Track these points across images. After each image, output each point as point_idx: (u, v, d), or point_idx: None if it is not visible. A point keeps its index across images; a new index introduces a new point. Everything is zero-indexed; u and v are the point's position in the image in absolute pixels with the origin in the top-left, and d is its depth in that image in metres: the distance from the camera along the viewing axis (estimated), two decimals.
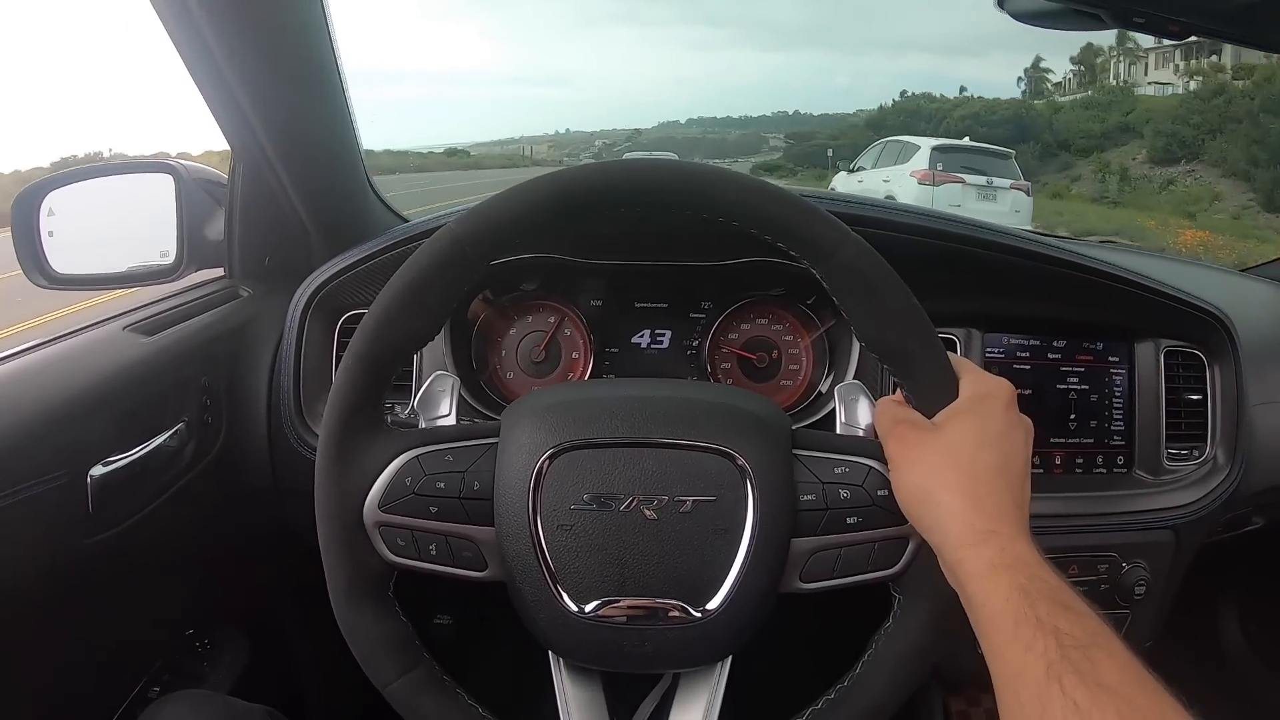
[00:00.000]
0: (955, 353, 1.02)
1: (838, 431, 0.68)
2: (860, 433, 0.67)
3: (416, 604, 0.66)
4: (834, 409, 0.70)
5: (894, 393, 0.68)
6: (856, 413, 0.68)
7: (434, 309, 0.62)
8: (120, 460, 0.84)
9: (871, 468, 0.62)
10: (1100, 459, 1.08)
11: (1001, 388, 0.62)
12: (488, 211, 0.61)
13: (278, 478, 1.04)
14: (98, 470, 0.81)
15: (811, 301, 1.07)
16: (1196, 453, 1.08)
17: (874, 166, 11.87)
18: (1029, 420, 0.62)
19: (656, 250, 1.03)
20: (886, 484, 0.61)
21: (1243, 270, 1.54)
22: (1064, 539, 1.02)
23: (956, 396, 0.61)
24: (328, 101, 0.97)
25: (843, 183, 12.68)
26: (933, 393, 0.62)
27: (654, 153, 26.89)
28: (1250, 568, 1.46)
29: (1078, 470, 1.07)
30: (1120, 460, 1.08)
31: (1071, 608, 0.49)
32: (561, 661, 0.67)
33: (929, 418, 0.61)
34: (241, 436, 1.03)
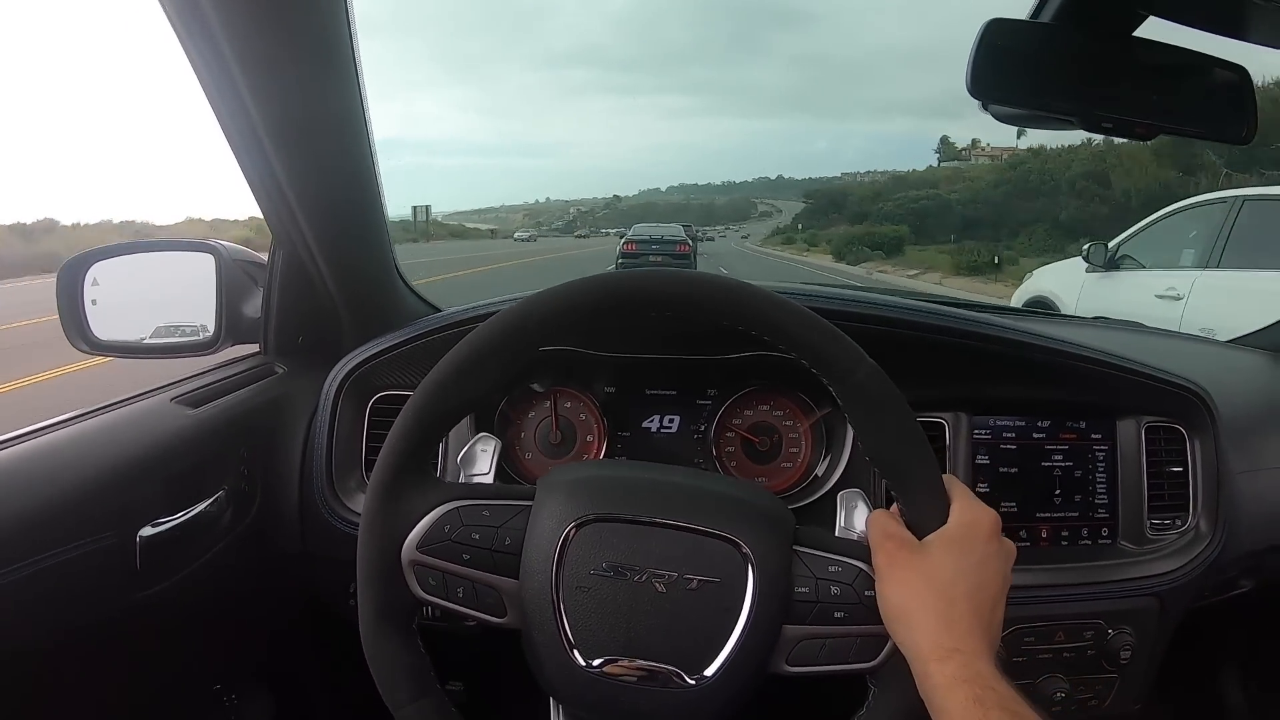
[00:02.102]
0: (943, 434, 1.09)
1: (837, 532, 0.74)
2: (856, 536, 0.73)
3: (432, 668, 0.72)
4: (830, 492, 0.77)
5: (889, 505, 0.74)
6: (854, 518, 0.74)
7: (489, 379, 0.70)
8: (167, 523, 0.91)
9: (861, 570, 0.68)
10: (1085, 531, 1.12)
11: (986, 517, 0.68)
12: (549, 299, 0.69)
13: (307, 544, 1.11)
14: (147, 531, 0.88)
15: (814, 399, 1.14)
16: (1179, 522, 1.13)
17: (1214, 264, 4.76)
18: (1011, 546, 0.69)
19: (664, 345, 1.11)
20: (872, 586, 0.67)
21: (1229, 341, 1.60)
22: (1051, 608, 1.06)
23: (946, 520, 0.67)
24: (365, 195, 1.04)
25: (1098, 294, 5.54)
26: (925, 514, 0.68)
27: (659, 225, 25.51)
28: (1247, 629, 1.49)
29: (1063, 543, 1.12)
30: (1105, 532, 1.12)
31: (1019, 714, 0.57)
32: (562, 710, 0.74)
33: (918, 536, 0.67)
34: (275, 505, 1.09)
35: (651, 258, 16.62)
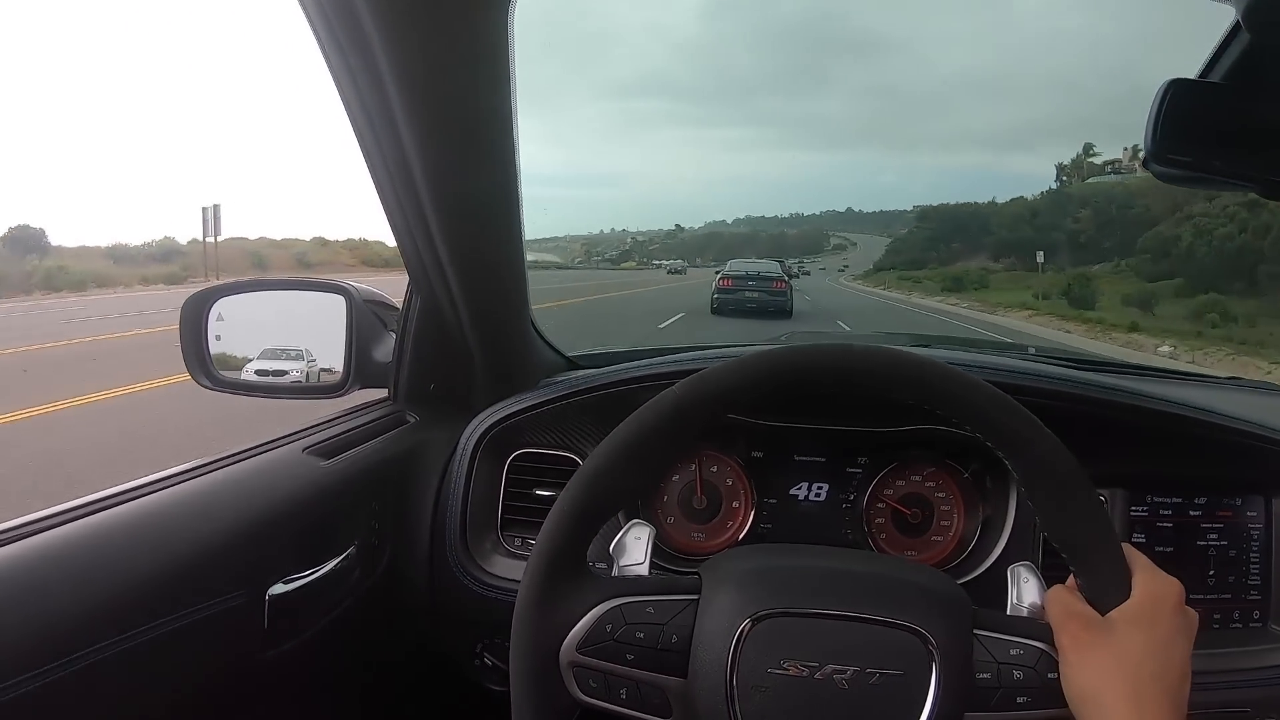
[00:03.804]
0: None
1: (1008, 610, 0.71)
2: (1026, 611, 0.70)
3: None
4: (993, 566, 0.81)
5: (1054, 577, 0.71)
6: (1024, 593, 0.71)
7: (648, 468, 0.67)
8: (298, 580, 0.88)
9: (1044, 651, 0.65)
10: (1237, 614, 1.08)
11: (1172, 590, 0.65)
12: (710, 380, 0.66)
13: (436, 602, 1.07)
14: (277, 589, 0.85)
15: (971, 472, 1.10)
16: None
17: None
18: (1194, 616, 0.66)
19: (815, 414, 1.07)
20: (1055, 667, 0.64)
21: None
22: (1200, 695, 0.98)
23: (1129, 595, 0.64)
24: (510, 246, 1.02)
25: None
26: (1107, 590, 0.65)
27: (755, 261, 25.24)
28: None
29: (1215, 626, 1.07)
30: (1256, 614, 1.08)
31: None
32: None
33: (1101, 612, 0.64)
34: (404, 561, 1.06)
35: (748, 293, 16.68)
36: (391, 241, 1.01)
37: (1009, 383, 1.00)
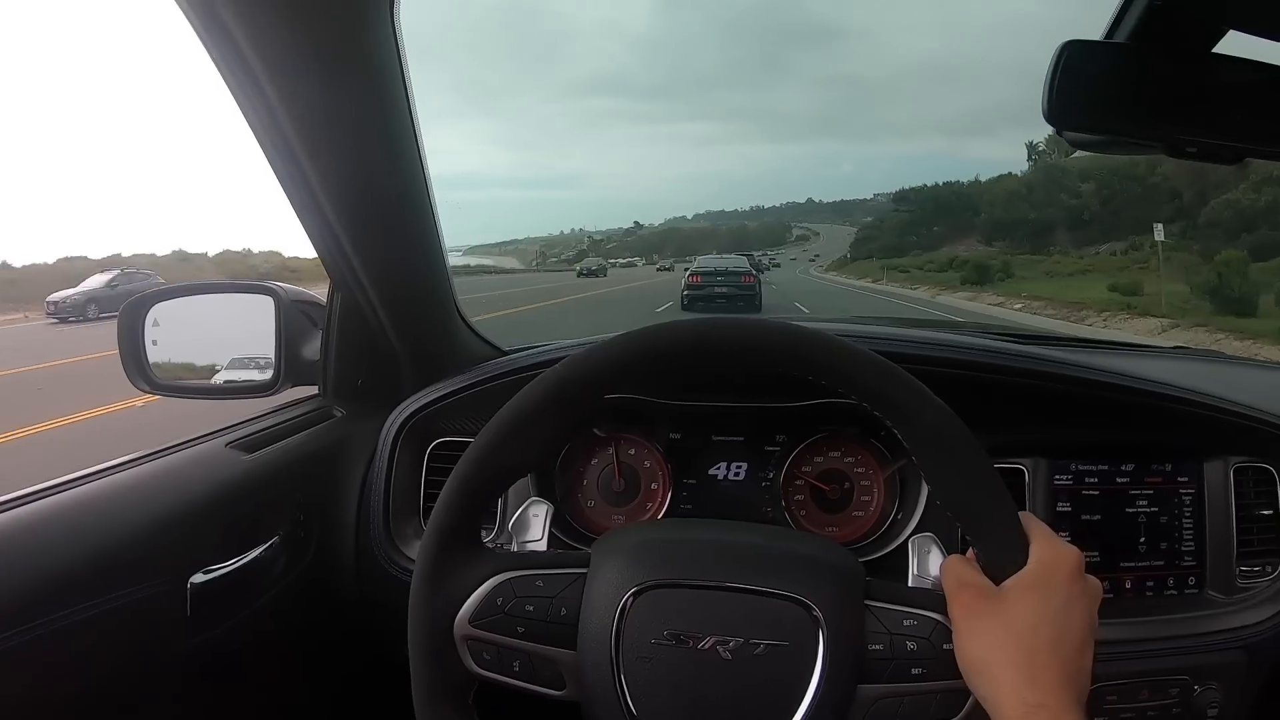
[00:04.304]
0: (1024, 481, 1.05)
1: (910, 580, 0.71)
2: (929, 584, 0.70)
3: None
4: (905, 542, 0.74)
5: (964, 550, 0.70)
6: (928, 564, 0.71)
7: (537, 443, 0.68)
8: (219, 570, 0.90)
9: (938, 622, 0.64)
10: (1171, 580, 1.07)
11: (1068, 556, 0.63)
12: (596, 355, 0.67)
13: (364, 592, 1.09)
14: (198, 578, 0.87)
15: (884, 434, 1.09)
16: (1269, 569, 1.06)
17: None
18: (1096, 584, 0.64)
19: (732, 393, 1.08)
20: (950, 638, 0.63)
21: None
22: (1135, 664, 1.00)
23: (1025, 563, 0.63)
24: (423, 236, 1.04)
25: None
26: (1002, 558, 0.63)
27: (723, 256, 25.00)
28: None
29: (1148, 593, 1.06)
30: (1191, 580, 1.07)
31: None
32: None
33: (996, 581, 0.63)
34: (331, 551, 1.08)
35: (717, 289, 17.02)
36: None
37: (915, 353, 1.02)
